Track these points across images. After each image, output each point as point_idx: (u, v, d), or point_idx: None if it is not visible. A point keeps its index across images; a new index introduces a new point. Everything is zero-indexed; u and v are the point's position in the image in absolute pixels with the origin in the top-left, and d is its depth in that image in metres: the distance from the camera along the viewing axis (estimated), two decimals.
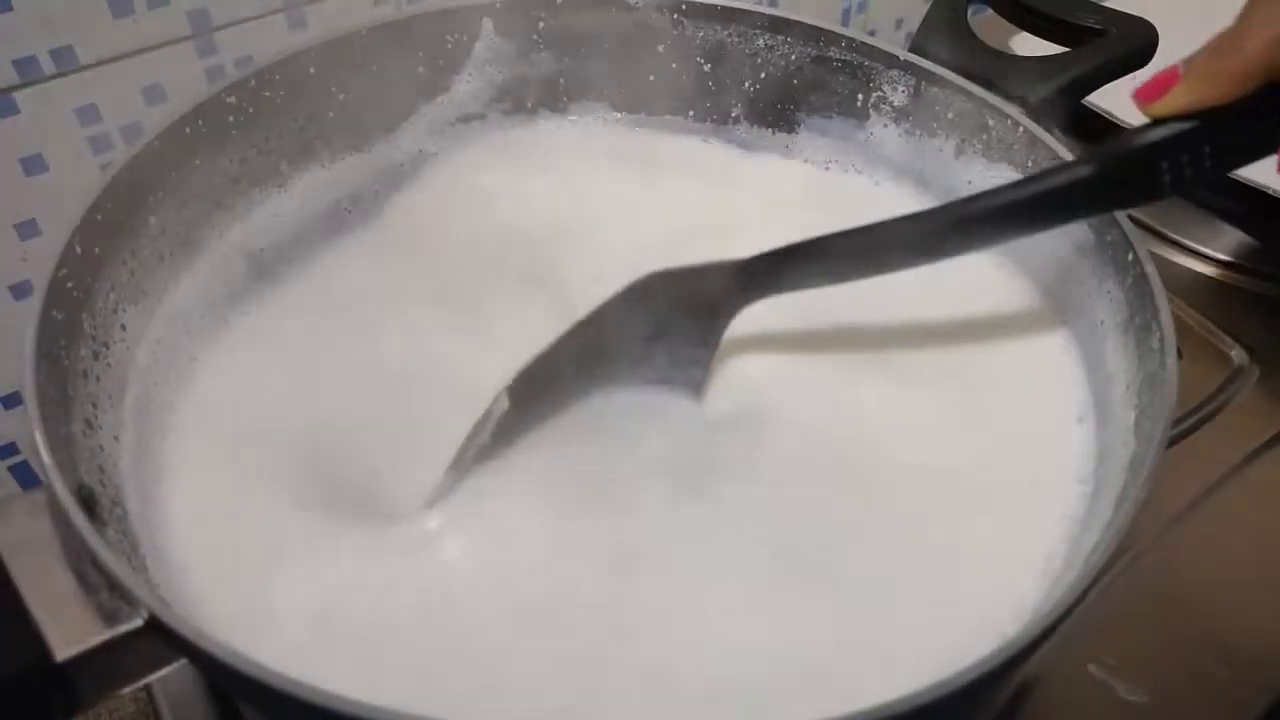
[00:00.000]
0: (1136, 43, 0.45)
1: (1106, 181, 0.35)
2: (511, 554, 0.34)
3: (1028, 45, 0.51)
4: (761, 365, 0.41)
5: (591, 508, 0.35)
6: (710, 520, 0.35)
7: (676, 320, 0.38)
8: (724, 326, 0.40)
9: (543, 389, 0.36)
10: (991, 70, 0.45)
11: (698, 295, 0.38)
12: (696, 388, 0.40)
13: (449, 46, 0.47)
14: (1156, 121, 0.34)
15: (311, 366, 0.40)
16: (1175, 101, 0.33)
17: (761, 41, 0.49)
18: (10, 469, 0.55)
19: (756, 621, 0.33)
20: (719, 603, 0.33)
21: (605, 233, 0.46)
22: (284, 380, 0.39)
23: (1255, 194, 0.55)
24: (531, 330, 0.36)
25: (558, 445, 0.37)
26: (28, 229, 0.48)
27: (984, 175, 0.46)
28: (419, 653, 0.32)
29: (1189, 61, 0.33)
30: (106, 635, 0.27)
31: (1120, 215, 0.39)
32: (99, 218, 0.36)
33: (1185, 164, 0.34)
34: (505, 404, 0.35)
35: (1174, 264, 0.58)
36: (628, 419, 0.38)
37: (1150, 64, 0.45)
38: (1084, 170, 0.36)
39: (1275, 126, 0.33)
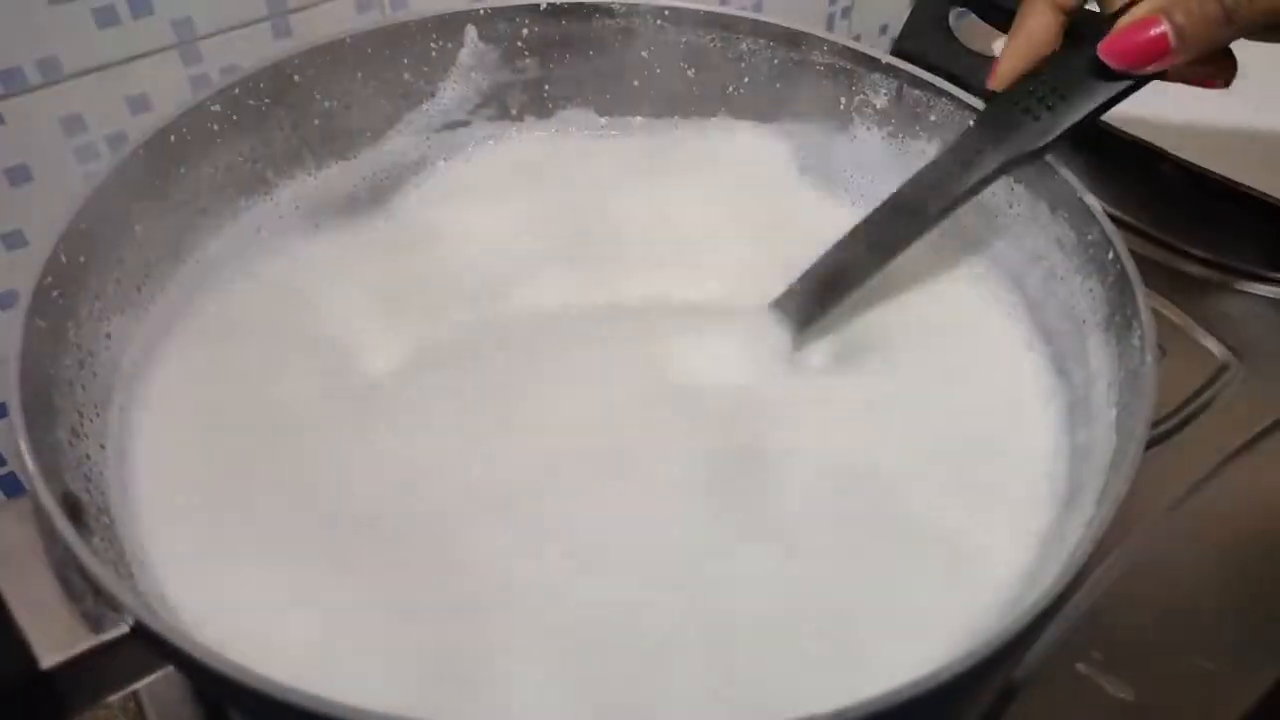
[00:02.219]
0: None
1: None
2: None
3: None
4: None
5: None
6: None
7: None
8: None
9: None
10: (973, 73, 0.46)
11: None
12: None
13: (433, 54, 0.47)
14: None
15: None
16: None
17: (745, 46, 0.49)
18: None
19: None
20: None
21: (594, 235, 0.47)
22: (270, 386, 0.39)
23: (1238, 192, 0.56)
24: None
25: None
26: (13, 239, 0.48)
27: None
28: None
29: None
30: (93, 642, 0.27)
31: (1100, 214, 0.40)
32: (84, 227, 0.36)
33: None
34: None
35: (1157, 262, 0.59)
36: None
37: None
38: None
39: None
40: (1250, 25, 0.36)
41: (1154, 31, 0.36)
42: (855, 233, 0.42)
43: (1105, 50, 0.37)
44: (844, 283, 0.42)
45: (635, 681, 0.32)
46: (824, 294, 0.42)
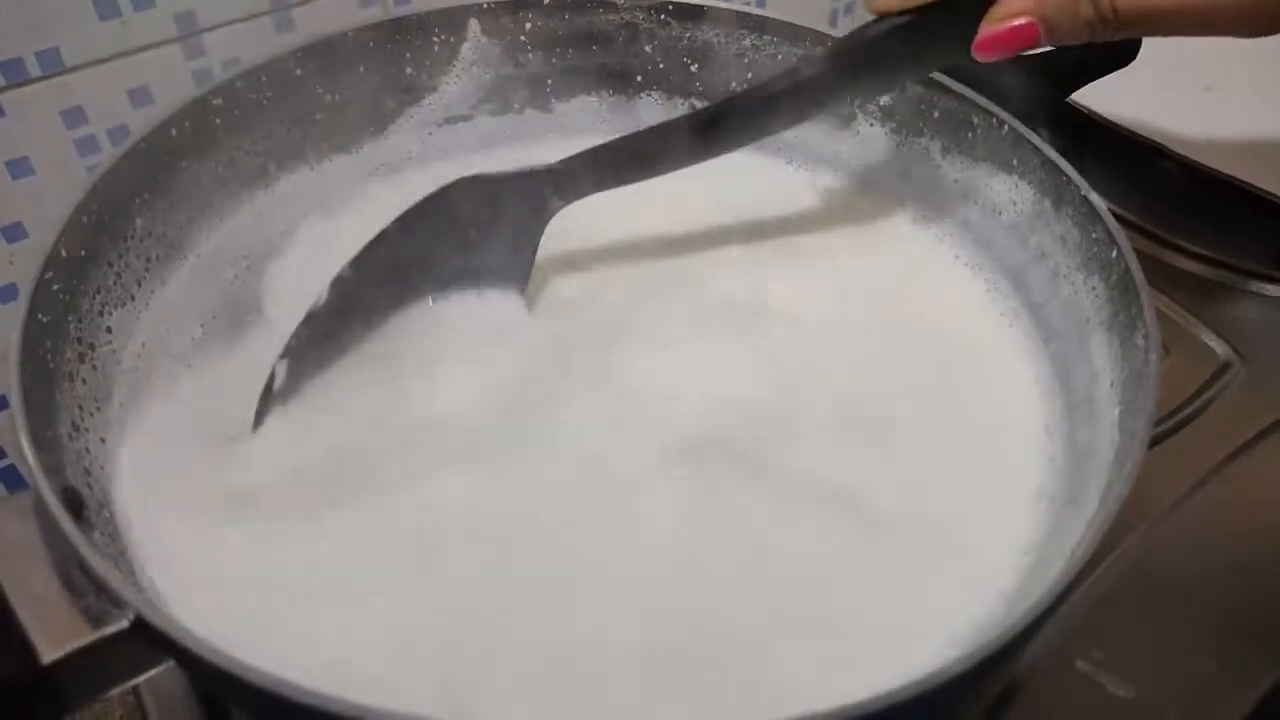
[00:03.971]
0: (1118, 41, 0.45)
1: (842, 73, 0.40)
2: None
3: None
4: None
5: None
6: None
7: (493, 226, 0.41)
8: (540, 232, 0.42)
9: (361, 294, 0.38)
10: (976, 70, 0.46)
11: (512, 199, 0.41)
12: (520, 291, 0.42)
13: (436, 48, 0.47)
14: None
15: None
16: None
17: (748, 42, 0.49)
18: None
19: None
20: None
21: (588, 232, 0.46)
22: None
23: (1242, 191, 0.56)
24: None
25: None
26: (13, 232, 0.48)
27: (969, 174, 0.46)
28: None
29: None
30: (93, 637, 0.27)
31: (1104, 211, 0.39)
32: (85, 220, 0.37)
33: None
34: (324, 297, 0.37)
35: (1161, 261, 0.58)
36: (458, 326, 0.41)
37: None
38: (823, 64, 0.40)
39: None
40: (1118, 30, 0.37)
41: (1021, 22, 0.38)
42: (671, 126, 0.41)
43: (977, 47, 0.39)
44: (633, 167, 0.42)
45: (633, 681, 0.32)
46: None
